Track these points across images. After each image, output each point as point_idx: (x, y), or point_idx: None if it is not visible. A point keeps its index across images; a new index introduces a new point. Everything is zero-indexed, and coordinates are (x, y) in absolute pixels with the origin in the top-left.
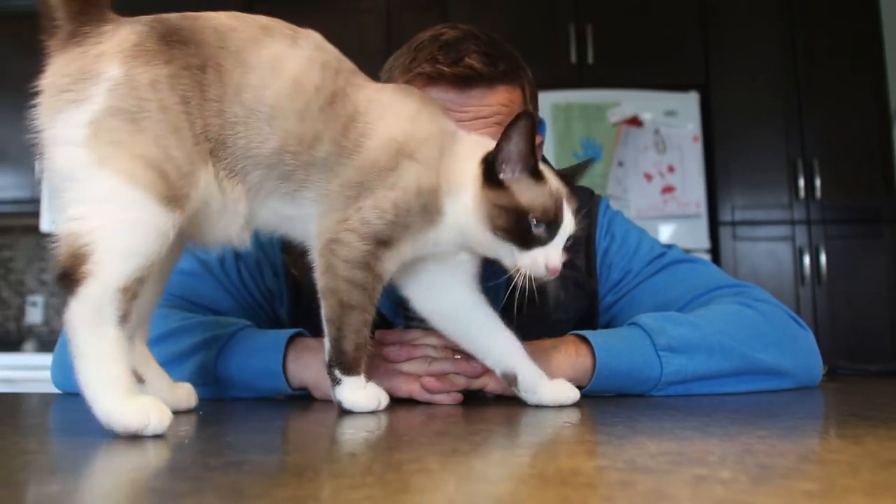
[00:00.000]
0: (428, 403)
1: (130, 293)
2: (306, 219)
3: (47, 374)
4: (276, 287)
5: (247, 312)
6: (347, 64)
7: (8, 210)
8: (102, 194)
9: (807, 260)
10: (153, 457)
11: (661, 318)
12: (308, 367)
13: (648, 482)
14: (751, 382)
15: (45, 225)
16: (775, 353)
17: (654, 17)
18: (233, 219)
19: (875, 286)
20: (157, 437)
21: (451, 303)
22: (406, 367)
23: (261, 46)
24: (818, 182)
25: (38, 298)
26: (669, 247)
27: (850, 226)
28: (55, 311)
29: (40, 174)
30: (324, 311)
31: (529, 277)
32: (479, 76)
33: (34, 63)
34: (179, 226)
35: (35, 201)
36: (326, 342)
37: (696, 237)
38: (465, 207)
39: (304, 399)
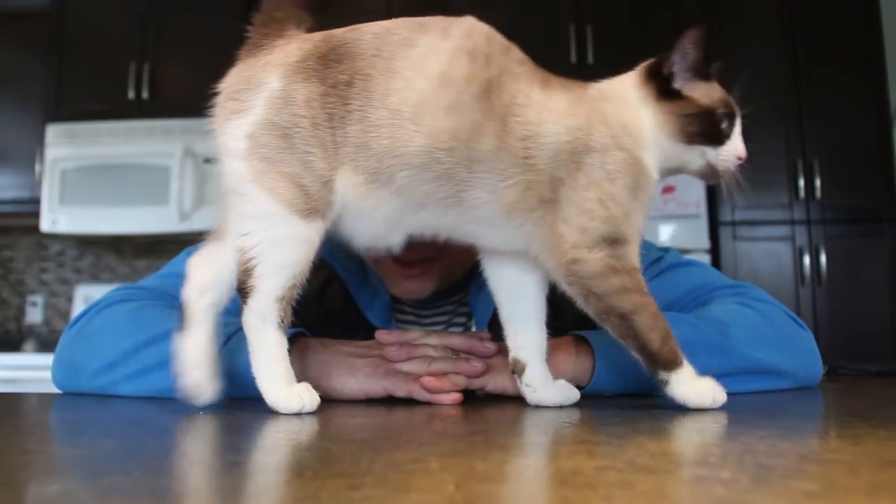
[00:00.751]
0: (428, 403)
1: (286, 300)
2: (479, 221)
3: (47, 374)
4: None
5: None
6: (499, 45)
7: (8, 210)
8: (257, 212)
9: (807, 260)
10: (153, 457)
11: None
12: (308, 366)
13: (648, 482)
14: (751, 382)
15: (45, 225)
16: (775, 353)
17: (654, 17)
18: (375, 222)
19: (875, 286)
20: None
21: (515, 274)
22: (406, 366)
23: (412, 46)
24: (818, 182)
25: (38, 298)
26: (666, 250)
27: (850, 226)
28: (55, 311)
29: (40, 174)
30: (611, 332)
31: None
32: None
33: (34, 63)
34: (323, 232)
35: (35, 201)
36: (634, 354)
37: (695, 237)
38: (652, 142)
39: None
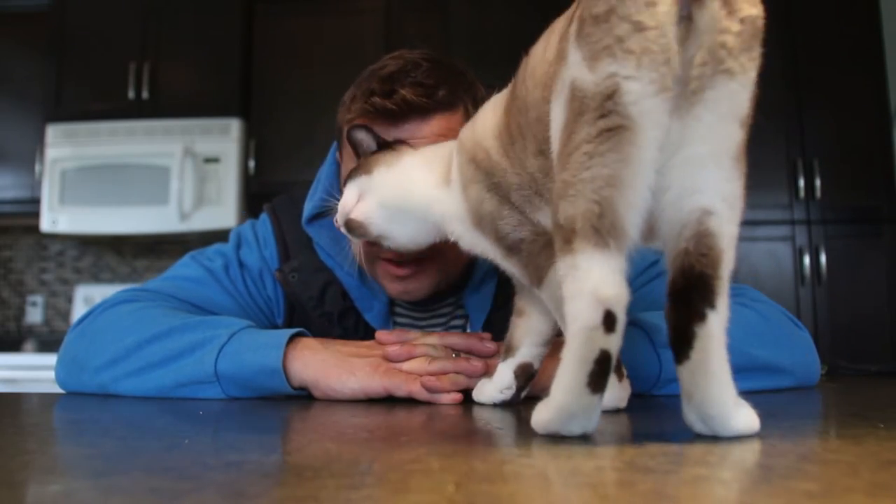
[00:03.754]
0: (428, 403)
1: None
2: None
3: (47, 374)
4: (274, 296)
5: (249, 317)
6: None
7: (8, 210)
8: None
9: (807, 260)
10: (153, 456)
11: (659, 317)
12: (308, 366)
13: (648, 482)
14: (750, 380)
15: (45, 225)
16: (773, 351)
17: None
18: None
19: (875, 286)
20: (158, 437)
21: None
22: (406, 366)
23: None
24: (818, 182)
25: (38, 298)
26: (661, 253)
27: (850, 226)
28: (55, 311)
29: (40, 174)
30: None
31: None
32: (411, 108)
33: (34, 63)
34: None
35: (35, 201)
36: None
37: None
38: None
39: (304, 399)
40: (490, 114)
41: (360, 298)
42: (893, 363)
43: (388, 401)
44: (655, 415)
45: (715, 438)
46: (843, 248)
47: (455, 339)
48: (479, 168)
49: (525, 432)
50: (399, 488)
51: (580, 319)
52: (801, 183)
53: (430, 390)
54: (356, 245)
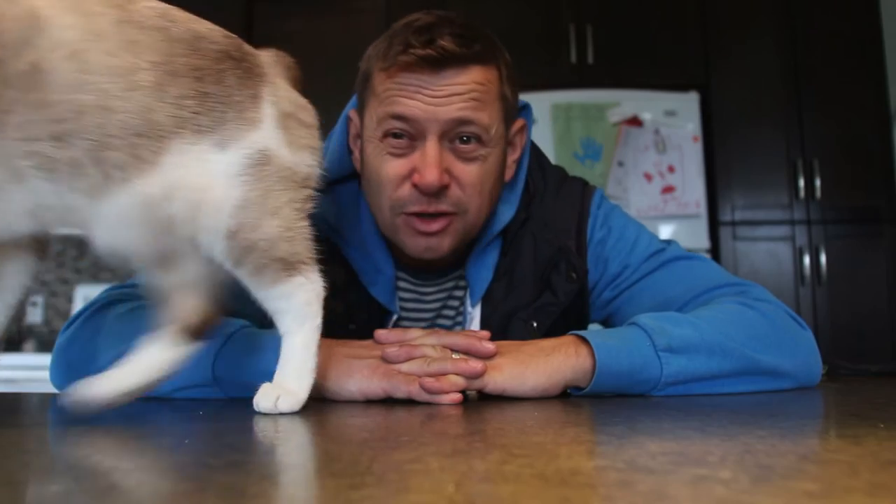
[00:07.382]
0: (427, 403)
1: None
2: None
3: (47, 373)
4: None
5: (245, 308)
6: None
7: None
8: None
9: (807, 260)
10: (153, 456)
11: (661, 319)
12: None
13: (648, 482)
14: (751, 383)
15: None
16: (775, 354)
17: (654, 17)
18: None
19: (875, 286)
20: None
21: None
22: (405, 367)
23: None
24: (818, 182)
25: (38, 298)
26: (668, 243)
27: (850, 226)
28: (55, 311)
29: None
30: None
31: None
32: (451, 56)
33: None
34: None
35: None
36: None
37: (696, 237)
38: None
39: None
40: None
41: (365, 272)
42: (893, 363)
43: (388, 401)
44: (655, 415)
45: (715, 439)
46: (843, 248)
47: (454, 340)
48: None
49: (525, 432)
50: (399, 488)
51: (318, 316)
52: (801, 183)
53: (429, 391)
54: (386, 198)
